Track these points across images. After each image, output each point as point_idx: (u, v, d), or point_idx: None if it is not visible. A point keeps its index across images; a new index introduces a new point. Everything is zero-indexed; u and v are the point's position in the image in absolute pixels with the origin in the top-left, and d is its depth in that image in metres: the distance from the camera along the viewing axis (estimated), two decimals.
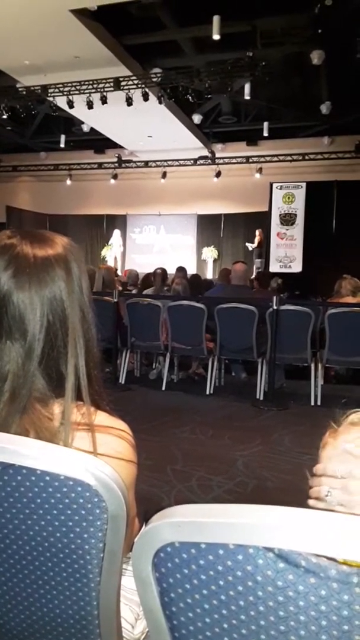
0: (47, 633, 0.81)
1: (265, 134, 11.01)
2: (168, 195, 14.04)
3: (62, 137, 12.27)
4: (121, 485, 0.72)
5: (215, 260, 13.95)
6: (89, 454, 0.75)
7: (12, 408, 0.83)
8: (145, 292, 6.72)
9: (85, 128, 11.33)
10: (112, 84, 8.70)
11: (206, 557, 0.56)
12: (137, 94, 8.66)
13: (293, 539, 0.53)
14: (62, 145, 12.47)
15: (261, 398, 5.13)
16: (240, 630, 0.57)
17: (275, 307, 5.00)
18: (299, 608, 0.53)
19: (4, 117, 9.77)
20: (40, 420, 0.84)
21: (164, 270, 6.79)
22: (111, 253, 14.15)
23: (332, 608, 0.52)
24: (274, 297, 5.16)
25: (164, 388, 5.53)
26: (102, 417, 0.89)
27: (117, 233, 14.27)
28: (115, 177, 14.34)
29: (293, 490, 2.76)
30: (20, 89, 9.45)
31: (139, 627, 1.05)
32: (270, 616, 0.55)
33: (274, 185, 11.07)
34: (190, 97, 8.65)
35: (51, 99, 9.36)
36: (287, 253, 10.87)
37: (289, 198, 10.88)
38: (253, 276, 9.69)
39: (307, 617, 0.53)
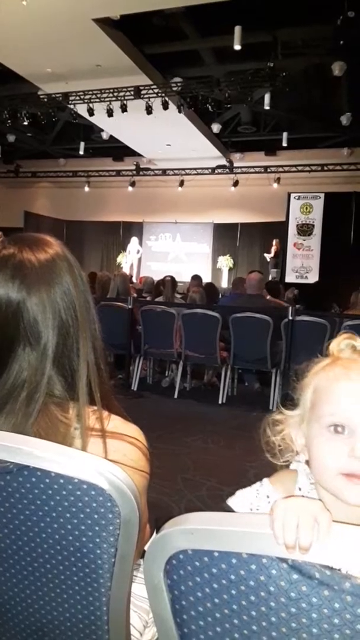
0: (56, 636, 0.81)
1: (284, 144, 10.99)
2: (185, 204, 14.08)
3: (82, 144, 12.38)
4: (134, 491, 0.72)
5: (230, 269, 13.93)
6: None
7: (27, 412, 0.84)
8: (155, 300, 6.73)
9: (105, 135, 11.43)
10: (132, 93, 8.78)
11: (219, 565, 0.56)
12: (157, 103, 8.73)
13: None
14: (81, 152, 12.58)
15: (274, 409, 5.08)
16: None
17: (290, 318, 4.97)
18: (311, 620, 0.53)
19: (25, 123, 9.91)
20: (55, 424, 0.84)
21: (173, 278, 6.80)
22: (127, 260, 14.21)
23: (345, 621, 0.51)
24: (290, 308, 5.13)
25: (176, 396, 5.52)
26: (116, 423, 0.89)
27: (134, 240, 14.34)
28: (132, 184, 14.43)
29: None
30: (41, 96, 9.57)
31: (147, 635, 1.04)
32: (282, 627, 0.54)
33: (292, 195, 11.06)
34: (209, 107, 8.69)
35: (72, 106, 9.47)
36: (303, 263, 10.84)
37: (306, 208, 10.86)
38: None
39: (320, 629, 0.53)
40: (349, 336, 0.82)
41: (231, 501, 0.89)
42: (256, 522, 0.55)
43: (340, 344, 0.81)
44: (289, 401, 0.86)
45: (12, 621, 0.83)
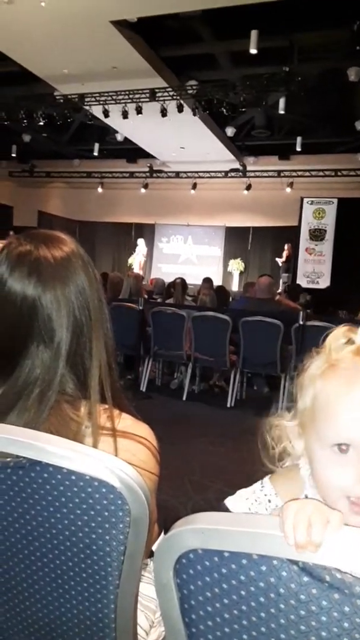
0: (63, 632, 0.81)
1: (298, 148, 10.98)
2: (197, 206, 14.09)
3: (96, 146, 12.45)
4: (145, 490, 0.72)
5: (241, 273, 13.92)
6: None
7: (39, 409, 0.85)
8: (166, 302, 6.73)
9: (119, 137, 11.48)
10: (147, 95, 8.82)
11: (229, 565, 0.56)
12: (171, 105, 8.76)
13: (318, 553, 0.52)
14: (95, 153, 12.65)
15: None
16: None
17: (301, 323, 4.96)
18: (320, 623, 0.53)
19: (41, 123, 9.98)
20: (66, 422, 0.85)
21: (183, 281, 6.80)
22: (135, 261, 14.24)
23: (355, 625, 0.51)
24: (300, 313, 5.12)
25: (184, 398, 5.52)
26: (127, 422, 0.89)
27: (141, 242, 14.36)
28: (145, 186, 14.47)
29: None
30: (57, 97, 9.64)
31: (153, 635, 1.04)
32: (291, 630, 0.54)
33: (305, 200, 11.03)
34: (224, 110, 8.69)
35: (87, 107, 9.53)
36: (315, 269, 10.80)
37: (319, 214, 10.83)
38: (279, 290, 9.64)
39: (329, 633, 0.52)
40: (348, 329, 0.75)
41: (229, 501, 0.88)
42: (267, 523, 0.55)
43: (338, 340, 0.74)
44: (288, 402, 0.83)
45: (20, 616, 0.83)
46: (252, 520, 0.57)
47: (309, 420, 0.73)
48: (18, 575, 0.80)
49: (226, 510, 0.85)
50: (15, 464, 0.74)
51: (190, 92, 8.76)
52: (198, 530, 0.58)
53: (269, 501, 0.82)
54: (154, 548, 0.97)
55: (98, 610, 0.77)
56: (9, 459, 0.75)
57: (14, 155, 13.56)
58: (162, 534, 1.02)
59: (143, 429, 0.90)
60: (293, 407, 0.79)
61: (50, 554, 0.76)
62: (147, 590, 1.04)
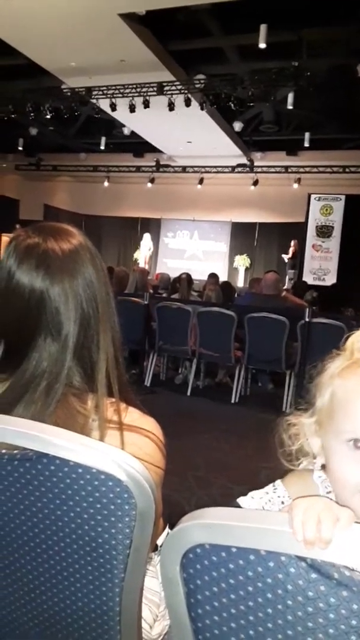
0: (68, 625, 0.82)
1: (307, 144, 10.92)
2: (203, 202, 14.06)
3: (103, 139, 12.42)
4: (151, 484, 0.72)
5: (247, 269, 13.89)
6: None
7: (46, 401, 0.85)
8: (171, 297, 6.73)
9: (126, 131, 11.45)
10: (155, 89, 8.78)
11: (236, 561, 0.56)
12: (179, 100, 8.72)
13: (327, 550, 0.52)
14: (102, 147, 12.62)
15: (288, 411, 5.06)
16: (266, 638, 0.56)
17: (307, 320, 4.94)
18: (328, 620, 0.52)
19: (48, 117, 9.96)
20: (73, 415, 0.85)
21: (189, 276, 6.79)
22: (141, 256, 14.23)
23: None
24: (307, 310, 5.10)
25: (189, 393, 5.52)
26: (134, 416, 0.89)
27: (147, 237, 14.34)
28: (152, 181, 14.44)
29: None
30: (65, 90, 9.62)
31: (157, 629, 1.04)
32: (298, 626, 0.54)
33: (312, 196, 10.97)
34: (232, 105, 8.65)
35: (94, 101, 9.50)
36: (321, 265, 10.76)
37: (326, 210, 10.78)
38: (285, 286, 9.62)
39: (337, 630, 0.52)
40: None
41: (242, 501, 0.88)
42: (276, 519, 0.55)
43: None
44: (302, 399, 0.83)
45: (25, 607, 0.84)
46: (260, 516, 0.56)
47: (327, 417, 0.74)
48: (24, 567, 0.80)
49: (239, 507, 0.85)
50: (21, 456, 0.74)
51: (198, 86, 8.72)
52: (205, 525, 0.57)
53: (282, 503, 0.83)
54: (159, 542, 0.98)
55: (103, 603, 0.78)
56: (15, 451, 0.75)
57: (20, 148, 13.56)
58: (167, 528, 1.02)
59: (150, 423, 0.90)
60: (310, 405, 0.80)
61: (56, 546, 0.76)
62: (151, 583, 1.05)
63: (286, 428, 0.83)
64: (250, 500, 0.87)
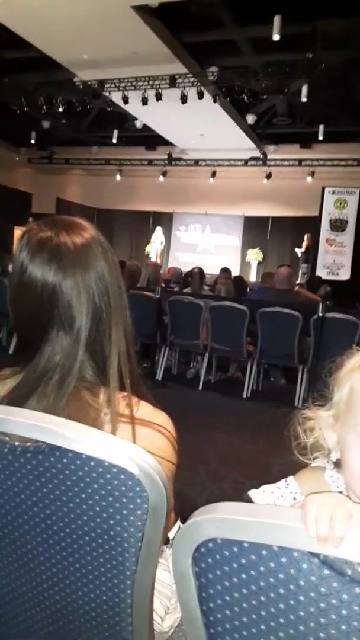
0: (80, 616, 0.82)
1: (320, 137, 10.81)
2: (216, 195, 14.00)
3: (115, 132, 12.41)
4: (163, 477, 0.72)
5: (259, 263, 13.82)
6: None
7: (58, 395, 0.85)
8: (183, 291, 6.73)
9: (138, 124, 11.42)
10: (167, 81, 8.74)
11: (248, 556, 0.56)
12: (192, 92, 8.67)
13: (340, 547, 0.51)
14: (114, 140, 12.61)
15: (300, 406, 5.04)
16: (278, 633, 0.56)
17: (320, 315, 4.91)
18: (340, 617, 0.52)
19: (60, 110, 9.96)
20: (85, 409, 0.85)
21: (201, 270, 6.78)
22: (153, 250, 14.22)
23: None
24: (320, 304, 5.07)
25: (200, 388, 5.52)
26: (146, 410, 0.89)
27: (159, 230, 14.31)
28: (164, 174, 14.40)
29: None
30: (77, 83, 9.61)
31: (169, 621, 1.05)
32: (310, 622, 0.54)
33: (326, 190, 10.87)
34: (245, 97, 8.58)
35: (107, 94, 9.48)
36: (335, 260, 10.68)
37: (341, 204, 10.68)
38: (298, 281, 9.56)
39: (349, 626, 0.52)
40: None
41: (253, 493, 0.88)
42: (288, 515, 0.55)
43: None
44: (319, 393, 0.83)
45: (37, 598, 0.84)
46: (272, 512, 0.56)
47: (345, 410, 0.75)
48: (36, 558, 0.81)
49: (248, 501, 0.85)
50: (34, 448, 0.74)
51: (211, 78, 8.66)
52: (218, 520, 0.57)
53: (294, 499, 0.83)
54: (170, 535, 0.98)
55: (115, 595, 0.78)
56: (28, 444, 0.75)
57: (33, 142, 13.59)
58: (179, 522, 1.02)
59: (161, 417, 0.90)
60: (327, 400, 0.81)
61: (69, 538, 0.77)
62: (162, 576, 1.05)
63: (302, 422, 0.84)
64: (262, 494, 0.87)
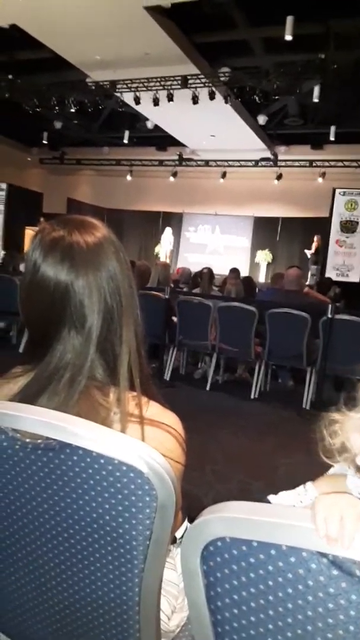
0: (87, 614, 0.83)
1: (332, 138, 10.75)
2: (226, 196, 13.98)
3: (126, 133, 12.42)
4: (172, 477, 0.72)
5: (268, 264, 13.77)
6: None
7: (69, 393, 0.86)
8: (192, 291, 6.72)
9: (149, 125, 11.43)
10: (179, 82, 8.74)
11: (257, 555, 0.56)
12: (203, 93, 8.66)
13: (350, 547, 0.51)
14: (125, 140, 12.63)
15: (307, 407, 5.03)
16: (286, 632, 0.56)
17: (330, 316, 4.89)
18: (349, 617, 0.52)
19: (72, 110, 10.00)
20: (95, 408, 0.86)
21: (210, 270, 6.77)
22: (162, 250, 14.22)
23: None
24: (329, 306, 5.04)
25: (208, 388, 5.52)
26: (155, 410, 0.90)
27: (168, 231, 14.31)
28: (175, 174, 14.40)
29: None
30: (89, 84, 9.64)
31: (175, 620, 1.05)
32: (318, 622, 0.54)
33: (337, 191, 10.81)
34: (257, 98, 8.56)
35: (119, 94, 9.51)
36: (345, 261, 10.61)
37: (351, 205, 10.61)
38: (307, 282, 9.52)
39: (357, 627, 0.52)
40: None
41: (272, 498, 0.88)
42: (298, 515, 0.55)
43: None
44: (348, 395, 0.83)
45: (46, 595, 0.85)
46: (281, 511, 0.56)
47: None
48: (45, 555, 0.82)
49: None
50: (45, 445, 0.75)
51: (222, 79, 8.64)
52: (227, 519, 0.58)
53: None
54: (177, 535, 0.98)
55: (123, 592, 0.78)
56: (39, 441, 0.76)
57: (45, 142, 13.66)
58: (186, 522, 1.02)
59: (170, 418, 0.90)
60: (357, 402, 0.80)
61: (78, 535, 0.77)
62: (169, 575, 1.05)
63: (328, 424, 0.83)
64: (281, 500, 0.87)
